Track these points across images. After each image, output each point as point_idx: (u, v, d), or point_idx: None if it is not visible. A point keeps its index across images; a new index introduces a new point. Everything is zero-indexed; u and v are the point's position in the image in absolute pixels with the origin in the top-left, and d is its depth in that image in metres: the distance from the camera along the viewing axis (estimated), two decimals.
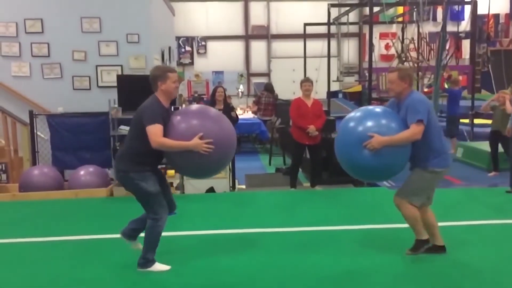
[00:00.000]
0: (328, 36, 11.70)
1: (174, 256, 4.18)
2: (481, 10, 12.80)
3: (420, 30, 10.77)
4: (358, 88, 15.15)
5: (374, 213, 5.52)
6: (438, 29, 13.02)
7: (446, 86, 10.62)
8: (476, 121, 10.66)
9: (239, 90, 15.29)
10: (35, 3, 7.49)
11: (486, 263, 3.99)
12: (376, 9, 10.39)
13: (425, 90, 10.20)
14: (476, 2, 10.77)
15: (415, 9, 10.94)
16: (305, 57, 13.53)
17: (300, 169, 7.28)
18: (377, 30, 15.50)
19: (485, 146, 8.14)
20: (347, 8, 11.77)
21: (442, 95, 9.47)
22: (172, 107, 4.54)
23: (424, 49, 11.63)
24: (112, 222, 5.41)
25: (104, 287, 3.74)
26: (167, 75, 3.80)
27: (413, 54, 10.69)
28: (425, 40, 11.58)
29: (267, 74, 17.44)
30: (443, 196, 5.71)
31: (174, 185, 6.73)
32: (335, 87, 13.73)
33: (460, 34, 13.12)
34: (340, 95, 14.58)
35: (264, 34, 17.44)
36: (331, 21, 11.67)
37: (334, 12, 11.86)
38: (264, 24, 17.45)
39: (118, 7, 7.52)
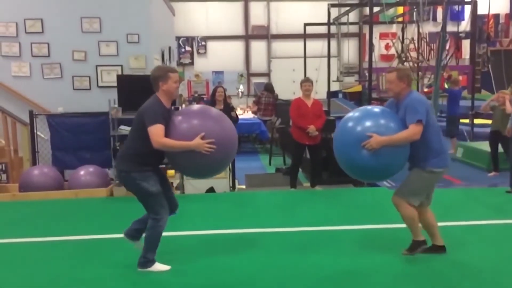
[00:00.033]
0: (328, 36, 11.70)
1: (174, 256, 4.18)
2: (481, 10, 12.79)
3: (420, 30, 10.76)
4: (358, 88, 15.15)
5: (374, 213, 5.52)
6: (438, 29, 13.03)
7: (446, 86, 10.63)
8: (476, 121, 10.66)
9: (239, 90, 15.28)
10: (35, 3, 7.49)
11: (486, 263, 3.99)
12: (376, 9, 10.39)
13: (425, 90, 10.20)
14: (476, 2, 10.76)
15: (415, 9, 10.94)
16: (305, 57, 13.52)
17: (300, 169, 7.28)
18: (377, 30, 15.51)
19: (485, 146, 8.14)
20: (347, 8, 11.76)
21: (442, 95, 9.47)
22: (172, 107, 4.53)
23: (424, 49, 11.61)
24: (112, 222, 5.42)
25: (104, 287, 3.74)
26: (168, 75, 3.81)
27: (413, 54, 10.68)
28: (425, 40, 11.56)
29: (267, 74, 17.44)
30: (443, 196, 5.72)
31: (174, 185, 6.73)
32: (335, 87, 13.72)
33: (460, 34, 13.12)
34: (340, 95, 14.56)
35: (264, 34, 17.44)
36: (331, 21, 11.65)
37: (334, 12, 11.85)
38: (264, 24, 17.44)
39: (118, 7, 7.52)
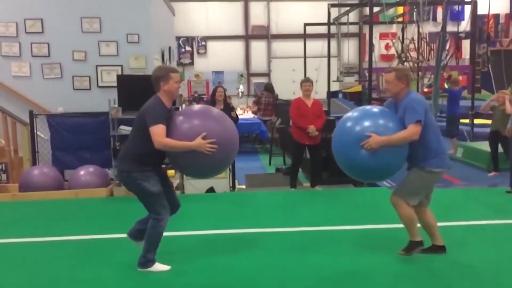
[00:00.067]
0: (328, 36, 11.70)
1: (174, 256, 4.18)
2: (481, 10, 12.79)
3: (420, 30, 10.76)
4: (358, 88, 15.16)
5: (374, 213, 5.52)
6: (438, 29, 13.02)
7: (446, 86, 10.62)
8: (476, 121, 10.66)
9: (239, 90, 15.29)
10: (35, 3, 7.49)
11: (486, 263, 3.99)
12: (376, 9, 10.39)
13: (425, 90, 10.21)
14: (476, 2, 10.76)
15: (415, 9, 10.94)
16: (305, 57, 13.52)
17: (300, 169, 7.28)
18: (377, 30, 15.52)
19: (485, 146, 8.14)
20: (347, 8, 11.77)
21: (442, 95, 9.47)
22: (172, 107, 4.54)
23: (424, 49, 11.61)
24: (112, 222, 5.42)
25: (104, 287, 3.74)
26: (169, 75, 3.81)
27: (413, 54, 10.68)
28: (425, 40, 11.56)
29: (267, 74, 17.45)
30: (443, 196, 5.73)
31: (174, 185, 6.72)
32: (335, 87, 13.73)
33: (460, 34, 13.13)
34: (340, 95, 14.58)
35: (264, 34, 17.44)
36: (331, 21, 11.66)
37: (334, 12, 11.85)
38: (264, 24, 17.45)
39: (118, 7, 7.51)
